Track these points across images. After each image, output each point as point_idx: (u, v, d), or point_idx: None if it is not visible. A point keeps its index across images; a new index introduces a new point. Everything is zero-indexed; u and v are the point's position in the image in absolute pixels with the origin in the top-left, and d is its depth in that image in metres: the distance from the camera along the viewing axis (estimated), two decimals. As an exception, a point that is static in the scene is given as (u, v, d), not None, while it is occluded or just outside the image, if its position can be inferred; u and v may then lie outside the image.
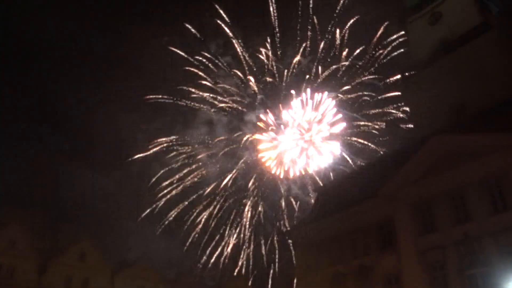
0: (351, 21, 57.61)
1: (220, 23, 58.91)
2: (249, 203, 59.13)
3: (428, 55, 35.66)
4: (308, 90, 58.88)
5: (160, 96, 60.76)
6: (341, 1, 57.07)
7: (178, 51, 60.08)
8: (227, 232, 57.45)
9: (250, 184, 60.17)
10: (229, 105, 62.20)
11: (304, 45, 59.16)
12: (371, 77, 58.13)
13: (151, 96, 60.75)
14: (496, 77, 29.97)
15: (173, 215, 57.09)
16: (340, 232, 29.63)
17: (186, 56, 60.24)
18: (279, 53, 60.30)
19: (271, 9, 58.78)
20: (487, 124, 24.21)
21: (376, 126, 57.77)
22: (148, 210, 56.76)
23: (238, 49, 59.84)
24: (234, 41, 59.52)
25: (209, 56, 60.62)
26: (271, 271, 55.71)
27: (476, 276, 21.37)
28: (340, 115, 57.12)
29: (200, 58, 60.25)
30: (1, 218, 46.41)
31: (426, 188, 25.06)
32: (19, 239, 45.54)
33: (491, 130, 23.21)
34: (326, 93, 58.02)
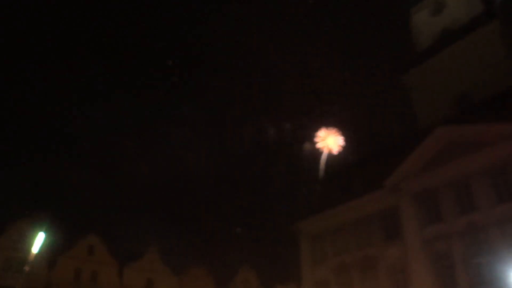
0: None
1: None
2: None
3: (431, 45, 35.57)
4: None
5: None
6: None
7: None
8: None
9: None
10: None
11: None
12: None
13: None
14: (499, 66, 29.85)
15: None
16: (345, 223, 29.92)
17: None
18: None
19: None
20: (491, 114, 24.20)
21: None
22: None
23: None
24: None
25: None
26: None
27: (482, 265, 21.63)
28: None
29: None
30: (10, 216, 47.08)
31: (430, 179, 25.23)
32: (27, 236, 46.25)
33: (494, 120, 23.24)
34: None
